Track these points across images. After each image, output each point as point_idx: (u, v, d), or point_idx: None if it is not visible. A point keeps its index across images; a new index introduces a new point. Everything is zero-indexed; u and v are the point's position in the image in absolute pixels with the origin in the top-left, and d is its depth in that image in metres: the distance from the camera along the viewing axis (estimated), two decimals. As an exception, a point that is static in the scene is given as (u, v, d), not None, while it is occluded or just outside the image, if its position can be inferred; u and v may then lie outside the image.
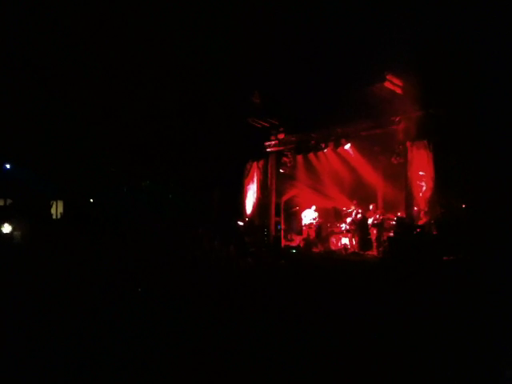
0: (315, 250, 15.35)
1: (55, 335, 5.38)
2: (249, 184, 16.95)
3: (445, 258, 10.31)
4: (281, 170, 16.59)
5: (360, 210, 14.96)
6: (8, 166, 17.92)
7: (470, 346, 5.11)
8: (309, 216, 16.16)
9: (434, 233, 11.29)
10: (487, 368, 4.51)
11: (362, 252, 14.12)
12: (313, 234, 16.01)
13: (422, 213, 12.02)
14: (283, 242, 16.22)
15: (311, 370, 4.57)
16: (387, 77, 11.98)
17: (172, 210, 17.53)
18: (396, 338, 5.51)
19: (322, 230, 16.26)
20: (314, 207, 16.23)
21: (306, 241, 15.86)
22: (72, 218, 16.46)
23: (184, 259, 12.10)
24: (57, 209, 18.14)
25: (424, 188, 12.19)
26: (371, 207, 14.69)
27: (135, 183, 18.29)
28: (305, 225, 16.23)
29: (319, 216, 16.27)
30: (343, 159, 15.69)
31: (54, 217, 17.53)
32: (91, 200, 17.23)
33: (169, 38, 14.63)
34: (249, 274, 11.18)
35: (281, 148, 16.38)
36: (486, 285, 7.72)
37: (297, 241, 16.45)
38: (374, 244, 14.03)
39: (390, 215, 14.20)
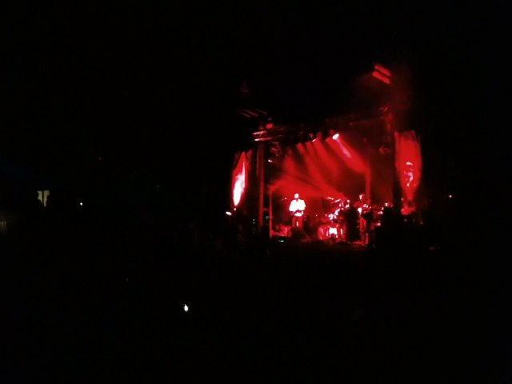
0: (303, 240, 15.40)
1: (44, 329, 5.34)
2: (237, 174, 16.88)
3: (431, 248, 10.39)
4: (269, 161, 16.56)
5: (348, 201, 15.03)
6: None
7: (456, 335, 5.15)
8: (296, 207, 16.18)
9: (421, 223, 11.37)
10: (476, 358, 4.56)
11: (349, 242, 14.19)
12: (301, 225, 16.05)
13: (410, 203, 12.09)
14: (271, 233, 16.23)
15: (301, 367, 4.58)
16: (375, 67, 11.94)
17: (160, 201, 17.42)
18: (383, 327, 5.55)
19: (310, 220, 16.31)
20: (297, 196, 16.25)
21: (294, 231, 15.91)
22: (57, 209, 16.29)
23: (174, 253, 12.07)
24: (43, 199, 17.94)
25: (411, 179, 12.24)
26: (361, 197, 14.76)
27: (122, 174, 18.12)
28: (293, 215, 16.25)
29: (307, 207, 16.31)
30: (331, 150, 15.71)
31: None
32: (77, 191, 17.03)
33: (156, 27, 14.50)
34: (238, 266, 11.18)
35: (269, 138, 16.32)
36: (471, 274, 7.80)
37: (285, 231, 16.50)
38: (362, 234, 14.11)
39: (377, 206, 14.28)
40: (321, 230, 15.67)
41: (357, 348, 4.97)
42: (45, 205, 17.25)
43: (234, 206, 16.68)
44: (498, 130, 10.21)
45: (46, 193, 18.13)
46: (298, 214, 16.06)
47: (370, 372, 4.47)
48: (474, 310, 5.97)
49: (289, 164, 16.70)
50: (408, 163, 12.28)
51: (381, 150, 13.27)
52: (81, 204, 16.40)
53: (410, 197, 12.16)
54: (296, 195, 16.15)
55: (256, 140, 16.52)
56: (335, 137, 14.68)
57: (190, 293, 7.61)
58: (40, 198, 17.69)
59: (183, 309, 6.64)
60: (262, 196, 16.35)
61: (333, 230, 15.11)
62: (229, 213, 16.39)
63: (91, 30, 14.29)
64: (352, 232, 14.56)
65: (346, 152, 15.50)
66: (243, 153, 16.80)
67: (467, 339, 5.05)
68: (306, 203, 16.30)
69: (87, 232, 12.91)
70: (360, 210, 14.45)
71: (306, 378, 4.44)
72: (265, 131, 16.32)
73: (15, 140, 16.24)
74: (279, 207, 17.46)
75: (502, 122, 10.16)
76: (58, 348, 4.87)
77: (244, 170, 16.75)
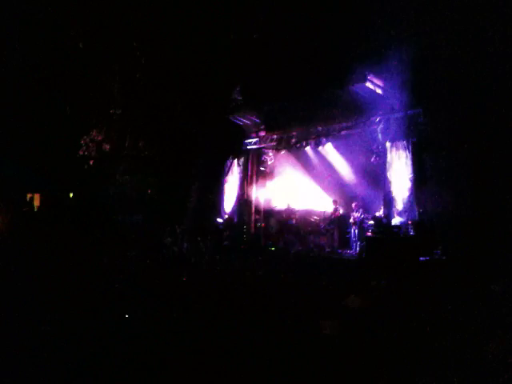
0: (294, 248, 15.37)
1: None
2: (229, 181, 16.91)
3: (421, 258, 10.41)
4: (261, 168, 16.59)
5: (339, 209, 15.04)
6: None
7: (446, 344, 5.17)
8: (290, 215, 16.17)
9: (412, 233, 11.40)
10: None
11: (340, 251, 14.19)
12: (292, 233, 16.04)
13: (400, 213, 12.14)
14: (263, 240, 16.22)
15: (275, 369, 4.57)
16: (368, 77, 12.03)
17: (151, 205, 17.38)
18: (370, 333, 5.56)
19: (301, 228, 16.31)
20: (291, 204, 16.27)
21: (285, 239, 15.89)
22: (50, 210, 16.20)
23: (163, 257, 12.05)
24: (33, 201, 17.82)
25: (402, 188, 12.29)
26: (353, 206, 14.78)
27: (114, 177, 18.05)
28: (285, 223, 16.24)
29: (298, 214, 16.32)
30: (323, 158, 15.76)
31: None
32: (69, 194, 16.94)
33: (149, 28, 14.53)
34: (227, 270, 11.17)
35: (261, 145, 16.36)
36: (461, 284, 7.83)
37: (276, 239, 16.46)
38: (353, 243, 14.12)
39: (368, 215, 14.32)
40: (312, 238, 15.66)
41: (347, 352, 4.98)
42: (37, 206, 17.18)
43: (225, 213, 16.67)
44: (490, 140, 10.27)
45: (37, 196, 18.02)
46: (291, 222, 16.05)
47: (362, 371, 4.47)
48: (465, 320, 5.99)
49: (281, 171, 16.73)
50: (399, 173, 12.34)
51: (372, 159, 13.35)
52: (73, 205, 16.35)
53: (400, 206, 12.21)
54: (290, 203, 16.17)
55: (248, 147, 16.56)
56: (327, 145, 14.73)
57: (180, 292, 7.62)
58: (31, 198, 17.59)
59: (176, 308, 6.62)
60: (253, 203, 16.35)
61: (324, 239, 15.11)
62: (220, 220, 16.37)
63: (86, 27, 14.29)
64: (343, 241, 14.57)
65: (337, 160, 15.55)
66: (235, 159, 16.83)
67: (458, 348, 5.07)
68: (297, 211, 16.32)
69: (79, 232, 12.86)
70: (351, 218, 14.46)
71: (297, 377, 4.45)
72: (257, 138, 16.36)
73: (6, 140, 16.14)
74: (271, 215, 17.45)
75: (493, 132, 10.22)
76: (56, 349, 4.83)
77: (236, 177, 16.76)
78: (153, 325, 5.75)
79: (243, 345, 5.12)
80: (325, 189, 16.79)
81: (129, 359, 4.64)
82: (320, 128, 14.47)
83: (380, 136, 12.82)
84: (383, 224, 12.12)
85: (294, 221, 16.07)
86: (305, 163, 16.39)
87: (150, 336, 5.34)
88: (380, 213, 13.21)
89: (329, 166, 15.96)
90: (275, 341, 5.25)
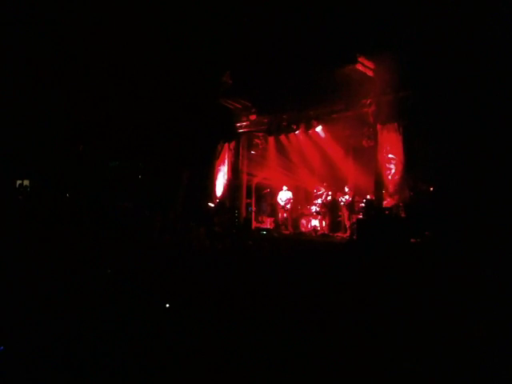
0: (285, 231, 15.41)
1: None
2: (220, 165, 16.81)
3: (412, 239, 10.47)
4: (252, 152, 16.51)
5: (330, 192, 15.05)
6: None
7: (436, 325, 5.19)
8: (284, 197, 16.13)
9: (402, 215, 11.43)
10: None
11: (331, 234, 14.24)
12: (288, 216, 16.04)
13: (391, 195, 12.16)
14: (254, 224, 16.23)
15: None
16: (359, 59, 11.94)
17: (142, 191, 17.28)
18: (361, 317, 5.57)
19: (293, 212, 16.33)
20: (286, 188, 16.24)
21: (277, 223, 15.91)
22: (38, 198, 16.07)
23: (155, 243, 12.00)
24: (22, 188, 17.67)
25: (393, 171, 12.30)
26: (344, 189, 14.76)
27: (103, 162, 17.90)
28: (281, 207, 16.20)
29: (290, 198, 16.31)
30: (315, 141, 15.71)
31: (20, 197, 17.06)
32: (57, 180, 16.80)
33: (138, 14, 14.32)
34: (219, 256, 11.15)
35: (252, 129, 16.26)
36: (451, 265, 7.88)
37: (267, 223, 16.49)
38: (345, 226, 14.18)
39: (360, 197, 14.36)
40: (303, 221, 15.69)
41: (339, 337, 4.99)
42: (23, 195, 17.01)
43: (216, 198, 16.62)
44: (480, 123, 10.28)
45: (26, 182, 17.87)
46: (288, 206, 16.02)
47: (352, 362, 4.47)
48: (454, 300, 6.02)
49: (272, 155, 16.67)
50: (390, 155, 12.33)
51: (363, 142, 13.33)
52: (61, 192, 16.23)
53: (391, 189, 12.22)
54: (284, 187, 16.13)
55: (239, 131, 16.46)
56: (318, 128, 14.67)
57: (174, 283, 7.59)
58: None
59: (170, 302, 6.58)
60: (244, 187, 16.32)
61: (315, 222, 15.15)
62: (211, 204, 16.32)
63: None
64: (334, 224, 14.62)
65: (329, 144, 15.50)
66: (226, 144, 16.72)
67: (447, 329, 5.10)
68: (289, 195, 16.30)
69: (67, 220, 12.77)
70: (342, 201, 14.49)
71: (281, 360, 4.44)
72: (248, 122, 16.25)
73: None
74: (262, 199, 17.44)
75: (483, 115, 10.22)
76: (53, 350, 4.77)
77: (227, 161, 16.68)
78: (148, 320, 5.68)
79: (240, 342, 5.07)
80: (316, 172, 16.77)
81: (127, 358, 4.59)
82: (311, 112, 14.39)
83: (371, 119, 12.79)
84: (374, 207, 12.15)
85: (285, 204, 16.06)
86: (296, 147, 16.32)
87: (147, 333, 5.27)
88: (371, 195, 13.24)
89: (320, 150, 15.91)
90: (270, 338, 5.21)
